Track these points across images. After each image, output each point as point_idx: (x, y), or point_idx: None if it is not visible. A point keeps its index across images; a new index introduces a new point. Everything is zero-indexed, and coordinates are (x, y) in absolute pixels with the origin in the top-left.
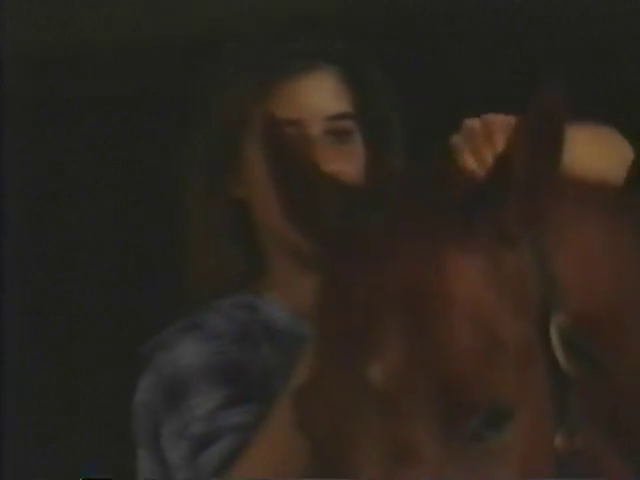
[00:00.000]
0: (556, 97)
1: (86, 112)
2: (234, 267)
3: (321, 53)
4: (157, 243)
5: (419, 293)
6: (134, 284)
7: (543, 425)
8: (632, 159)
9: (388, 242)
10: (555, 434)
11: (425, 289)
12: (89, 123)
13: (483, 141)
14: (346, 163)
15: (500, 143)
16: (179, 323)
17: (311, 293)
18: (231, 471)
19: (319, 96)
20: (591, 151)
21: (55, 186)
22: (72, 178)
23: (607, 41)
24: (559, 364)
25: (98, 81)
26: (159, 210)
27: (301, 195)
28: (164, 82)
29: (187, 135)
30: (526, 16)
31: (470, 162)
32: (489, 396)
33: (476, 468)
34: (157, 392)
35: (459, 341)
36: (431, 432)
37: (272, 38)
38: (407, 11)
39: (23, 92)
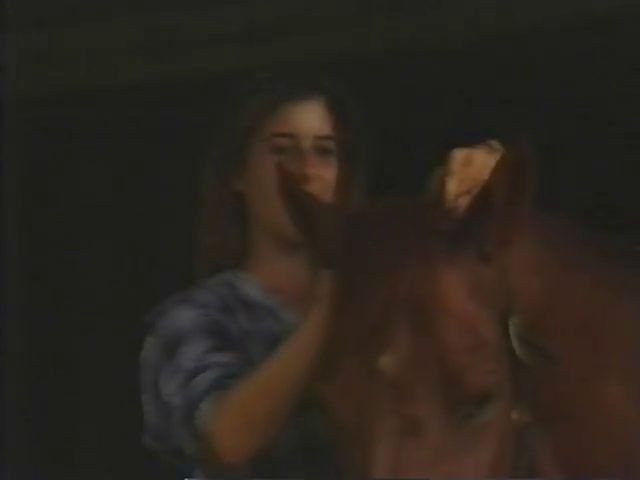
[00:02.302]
0: (527, 147)
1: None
2: (232, 243)
3: (314, 87)
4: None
5: (421, 301)
6: (144, 265)
7: (509, 404)
8: None
9: (392, 261)
10: (512, 410)
11: (425, 298)
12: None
13: (462, 167)
14: (325, 172)
15: (478, 171)
16: (174, 297)
17: (282, 273)
18: (217, 393)
19: (310, 119)
20: None
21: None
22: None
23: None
24: (517, 355)
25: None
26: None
27: (309, 224)
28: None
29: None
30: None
31: (452, 185)
32: (479, 383)
33: (466, 440)
34: (157, 347)
35: (453, 339)
36: (433, 411)
37: (279, 73)
38: (389, 55)
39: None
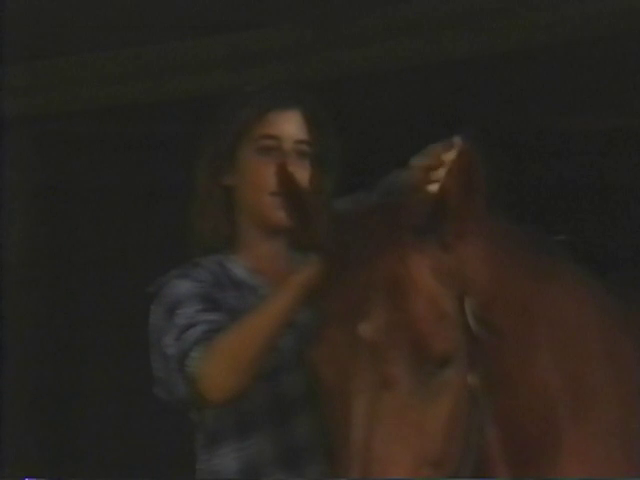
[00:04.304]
0: (477, 152)
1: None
2: (222, 228)
3: (294, 99)
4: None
5: (394, 281)
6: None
7: (464, 369)
8: None
9: (371, 249)
10: (468, 374)
11: (398, 278)
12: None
13: (436, 159)
14: (302, 172)
15: (447, 162)
16: (174, 271)
17: (264, 256)
18: (205, 343)
19: (291, 125)
20: None
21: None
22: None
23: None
24: (471, 329)
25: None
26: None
27: (302, 216)
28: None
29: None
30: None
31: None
32: (441, 348)
33: (429, 394)
34: (160, 313)
35: (421, 311)
36: (403, 370)
37: (265, 86)
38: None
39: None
